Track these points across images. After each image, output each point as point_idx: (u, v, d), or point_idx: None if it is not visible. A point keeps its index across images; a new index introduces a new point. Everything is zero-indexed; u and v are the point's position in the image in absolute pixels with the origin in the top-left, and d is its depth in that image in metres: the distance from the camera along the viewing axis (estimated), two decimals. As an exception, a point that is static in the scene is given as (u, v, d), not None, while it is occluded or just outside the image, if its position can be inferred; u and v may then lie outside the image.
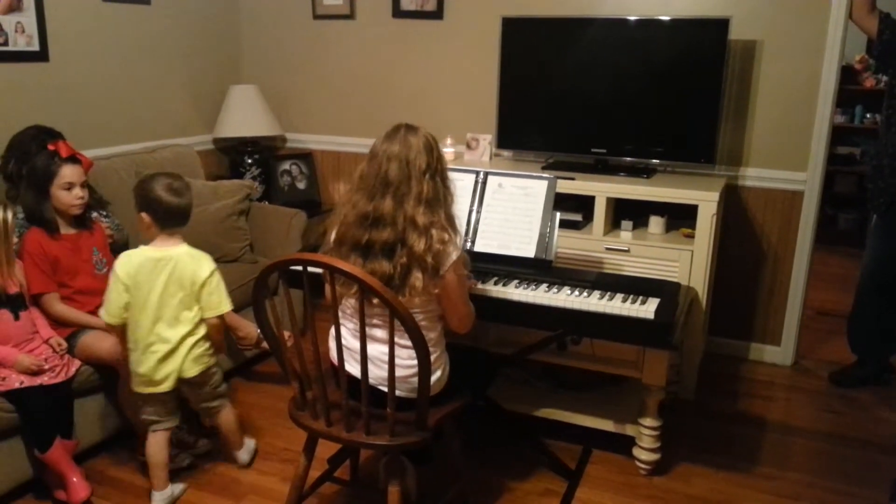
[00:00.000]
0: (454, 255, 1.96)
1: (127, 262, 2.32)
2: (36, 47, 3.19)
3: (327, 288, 1.94)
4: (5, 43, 3.06)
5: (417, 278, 1.91)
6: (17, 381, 2.32)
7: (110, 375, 2.58)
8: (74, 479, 2.38)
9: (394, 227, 1.91)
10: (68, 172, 2.54)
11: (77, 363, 2.50)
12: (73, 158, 2.57)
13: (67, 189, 2.55)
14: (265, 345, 3.00)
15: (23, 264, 2.50)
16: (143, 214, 2.33)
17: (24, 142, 2.77)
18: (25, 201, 2.57)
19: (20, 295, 2.42)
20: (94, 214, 2.87)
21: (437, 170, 1.97)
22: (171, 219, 2.34)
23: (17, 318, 2.39)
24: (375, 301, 1.86)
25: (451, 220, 2.00)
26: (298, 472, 2.12)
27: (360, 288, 1.82)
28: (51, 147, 2.56)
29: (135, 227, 3.21)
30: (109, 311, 2.34)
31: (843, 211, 5.99)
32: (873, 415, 3.13)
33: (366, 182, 1.97)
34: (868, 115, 5.91)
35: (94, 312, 2.63)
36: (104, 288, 2.66)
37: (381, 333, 1.98)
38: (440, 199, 1.97)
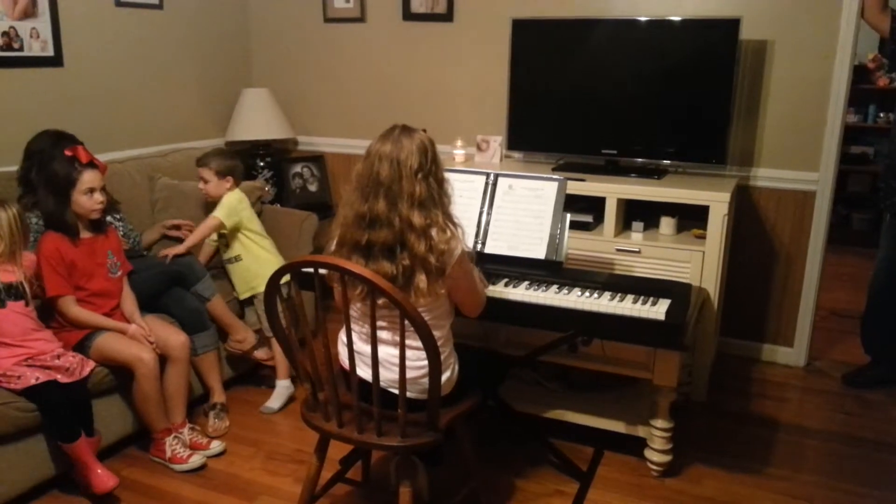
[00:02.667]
0: (458, 252, 1.96)
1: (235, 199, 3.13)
2: (50, 52, 3.23)
3: (336, 290, 1.95)
4: (20, 48, 3.10)
5: (422, 280, 1.91)
6: (32, 377, 2.34)
7: (125, 377, 2.61)
8: (99, 471, 2.40)
9: (391, 227, 1.92)
10: (89, 178, 2.58)
11: (91, 364, 2.52)
12: (92, 163, 2.61)
13: (89, 194, 2.58)
14: (257, 354, 3.07)
15: (40, 268, 2.53)
16: (229, 177, 3.13)
17: (44, 148, 2.75)
18: (46, 207, 2.59)
19: (16, 287, 2.43)
20: (108, 218, 2.90)
21: (430, 171, 1.96)
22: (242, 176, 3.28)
23: (2, 305, 2.39)
24: (381, 302, 1.87)
25: (449, 217, 2.00)
26: (310, 472, 2.13)
27: (368, 290, 1.83)
28: (68, 153, 2.59)
29: (145, 228, 3.27)
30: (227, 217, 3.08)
31: (857, 210, 5.94)
32: (887, 415, 3.11)
33: (360, 182, 1.97)
34: (881, 115, 5.87)
35: (109, 314, 2.67)
36: (118, 290, 2.72)
37: (387, 335, 2.00)
38: (435, 200, 1.96)
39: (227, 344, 3.08)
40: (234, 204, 3.09)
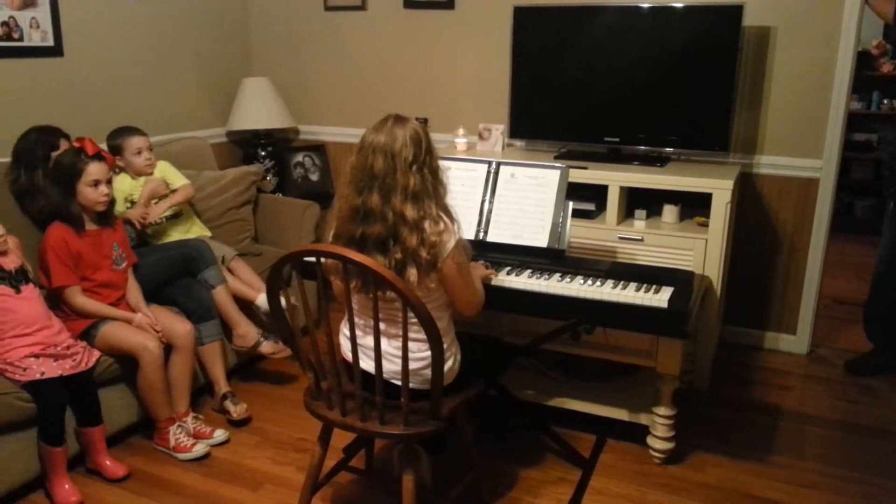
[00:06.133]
0: (451, 244, 1.94)
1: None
2: (50, 42, 3.22)
3: (334, 283, 1.94)
4: (20, 38, 3.09)
5: (412, 273, 1.90)
6: (37, 371, 2.35)
7: (130, 366, 2.62)
8: (66, 486, 2.39)
9: (384, 221, 1.90)
10: (94, 170, 2.57)
11: (97, 353, 2.54)
12: (99, 156, 2.61)
13: (94, 186, 2.58)
14: (263, 349, 3.02)
15: (46, 258, 2.55)
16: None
17: (28, 148, 2.77)
18: (51, 198, 2.60)
19: (20, 271, 2.43)
20: None
21: (424, 162, 1.93)
22: None
23: (18, 291, 2.40)
24: (379, 294, 1.86)
25: (444, 208, 1.98)
26: (314, 461, 2.14)
27: (364, 281, 1.83)
28: (76, 144, 2.61)
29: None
30: None
31: (860, 198, 5.93)
32: (889, 403, 3.11)
33: (354, 175, 1.95)
34: (885, 101, 5.84)
35: (115, 304, 2.67)
36: (123, 281, 2.73)
37: (385, 327, 1.99)
38: (429, 192, 1.94)
39: (232, 343, 3.04)
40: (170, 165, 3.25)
